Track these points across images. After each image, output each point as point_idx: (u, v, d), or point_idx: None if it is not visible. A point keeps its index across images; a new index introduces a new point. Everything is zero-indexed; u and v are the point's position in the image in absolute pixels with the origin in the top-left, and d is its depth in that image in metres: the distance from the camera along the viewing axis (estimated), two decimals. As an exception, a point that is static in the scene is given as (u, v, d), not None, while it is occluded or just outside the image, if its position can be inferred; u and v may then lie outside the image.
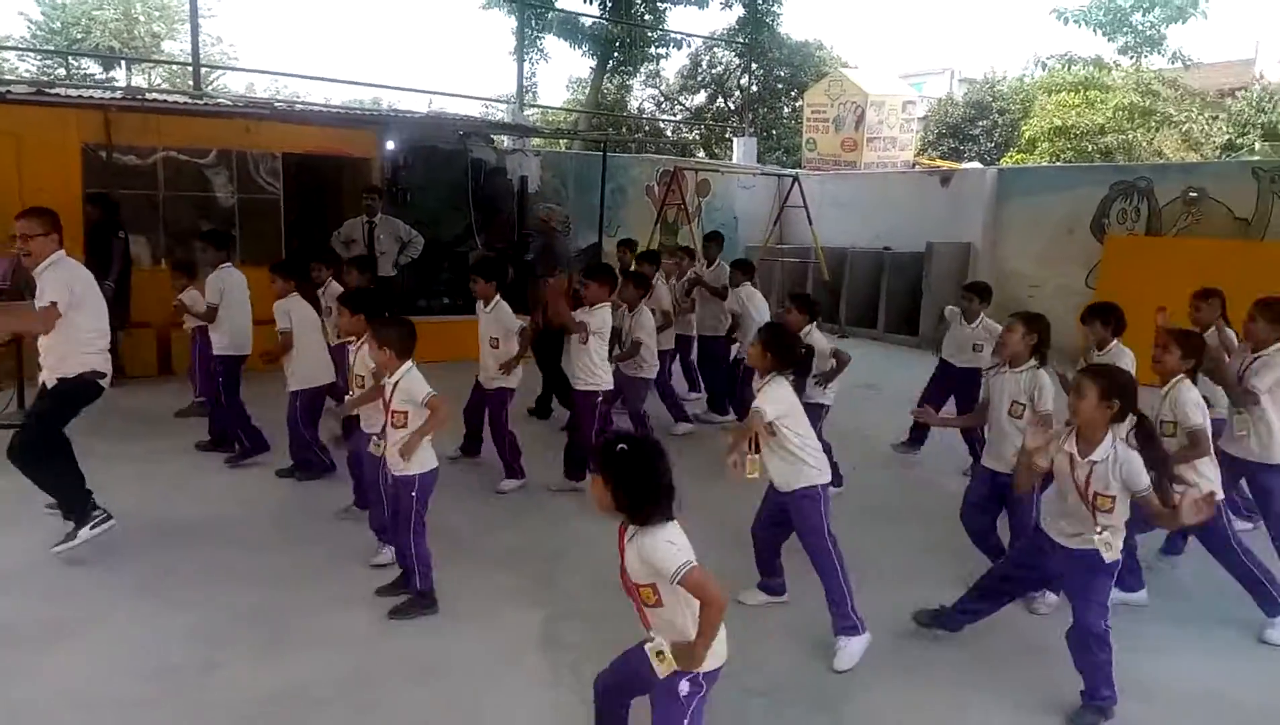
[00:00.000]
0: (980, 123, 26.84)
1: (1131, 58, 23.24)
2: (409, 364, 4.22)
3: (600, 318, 5.90)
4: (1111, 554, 3.51)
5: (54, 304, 4.58)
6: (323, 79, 47.75)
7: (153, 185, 9.81)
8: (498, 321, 6.19)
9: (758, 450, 4.04)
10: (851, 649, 3.98)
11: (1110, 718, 3.59)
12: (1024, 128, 24.70)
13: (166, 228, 9.88)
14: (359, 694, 3.64)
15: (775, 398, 3.99)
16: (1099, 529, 3.50)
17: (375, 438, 4.46)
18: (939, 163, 19.53)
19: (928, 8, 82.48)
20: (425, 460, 4.22)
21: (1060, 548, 3.65)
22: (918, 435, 7.21)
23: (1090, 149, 22.12)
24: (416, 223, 10.07)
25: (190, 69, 12.66)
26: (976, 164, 19.18)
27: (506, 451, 6.27)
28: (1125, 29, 18.66)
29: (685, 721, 2.64)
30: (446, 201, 11.99)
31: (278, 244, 10.33)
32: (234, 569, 4.78)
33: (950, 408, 6.75)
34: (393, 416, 4.16)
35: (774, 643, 4.14)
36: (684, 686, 2.63)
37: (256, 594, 4.49)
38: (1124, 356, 5.27)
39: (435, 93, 41.72)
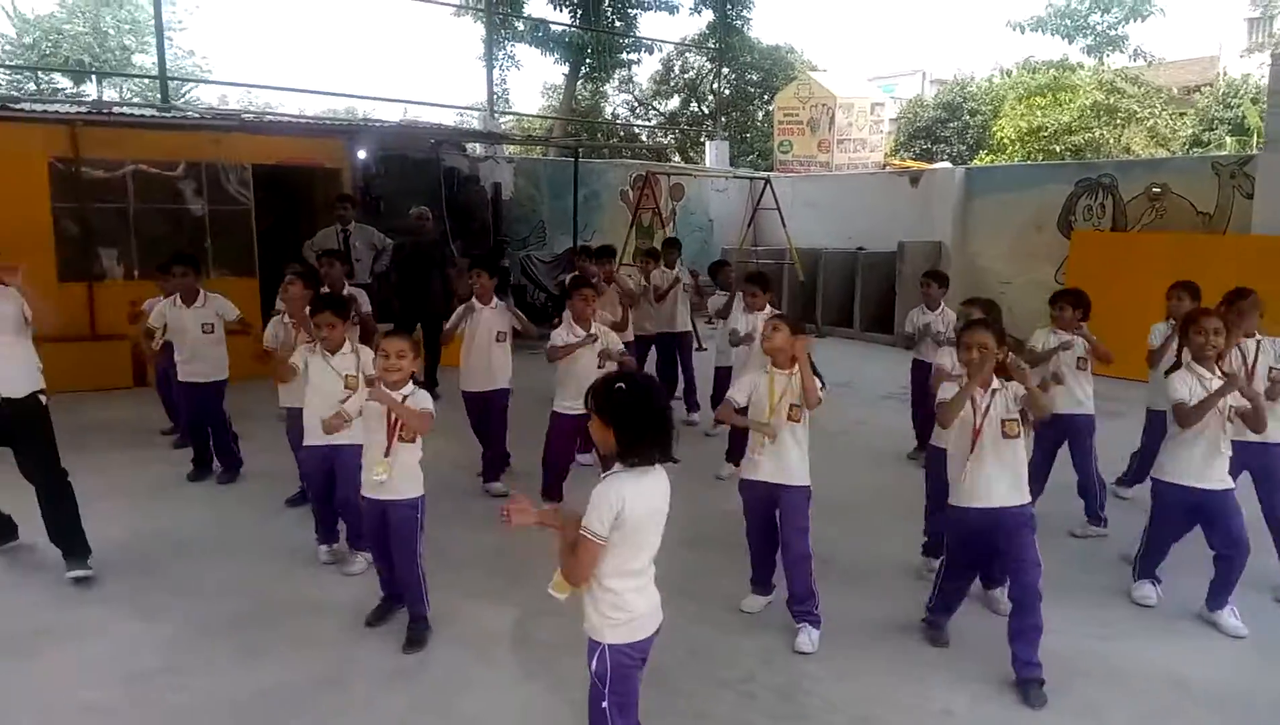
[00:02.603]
0: (951, 124, 27.09)
1: (1094, 57, 23.57)
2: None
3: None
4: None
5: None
6: (296, 90, 47.41)
7: (123, 198, 9.77)
8: (503, 316, 6.20)
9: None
10: (813, 636, 4.09)
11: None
12: (994, 128, 25.01)
13: (138, 239, 9.84)
14: (333, 696, 3.66)
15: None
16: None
17: (376, 471, 4.02)
18: (909, 164, 19.72)
19: (897, 10, 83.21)
20: (420, 478, 4.12)
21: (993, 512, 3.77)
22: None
23: (1059, 149, 22.41)
24: (390, 231, 10.08)
25: (159, 82, 12.59)
26: (947, 164, 19.36)
27: (504, 453, 6.29)
28: (1085, 30, 18.97)
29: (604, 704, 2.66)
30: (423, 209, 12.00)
31: (250, 254, 10.31)
32: (209, 578, 4.78)
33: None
34: (401, 430, 3.99)
35: (742, 635, 4.19)
36: (594, 663, 2.69)
37: (231, 603, 4.49)
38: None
39: (409, 101, 41.71)
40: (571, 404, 5.53)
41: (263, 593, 4.62)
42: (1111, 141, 22.07)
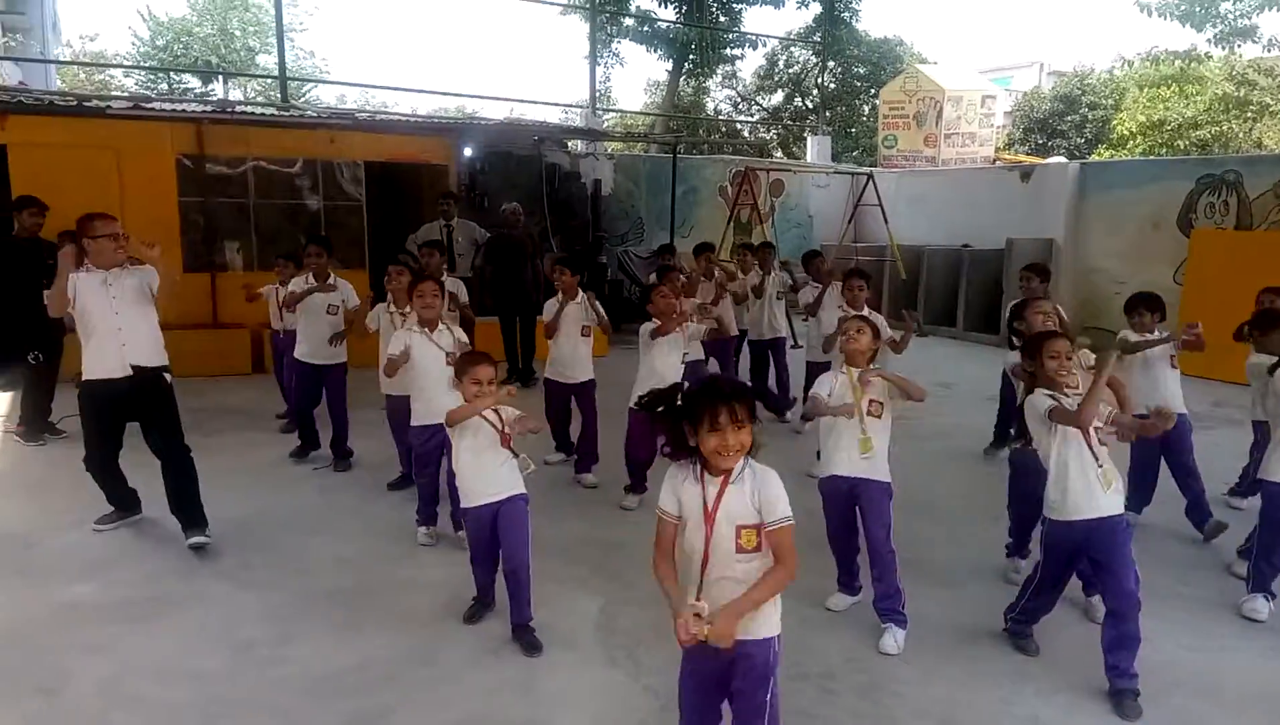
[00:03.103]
0: (1069, 117, 26.11)
1: (1224, 48, 22.35)
2: None
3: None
4: None
5: None
6: (409, 90, 49.00)
7: (243, 193, 10.30)
8: (587, 310, 6.35)
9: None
10: (899, 636, 4.04)
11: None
12: (1115, 122, 24.00)
13: (257, 233, 10.35)
14: (424, 670, 3.81)
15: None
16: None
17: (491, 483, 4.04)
18: (1021, 158, 19.10)
19: (1014, 1, 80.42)
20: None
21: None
22: (1002, 432, 7.11)
23: (1184, 143, 21.36)
24: (493, 226, 10.35)
25: (280, 82, 13.19)
26: (1061, 159, 18.67)
27: (596, 443, 6.42)
28: (1214, 19, 17.95)
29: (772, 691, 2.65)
30: (522, 205, 12.25)
31: (361, 248, 10.72)
32: (313, 555, 5.03)
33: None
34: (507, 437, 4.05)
35: (826, 632, 4.18)
36: (770, 656, 2.64)
37: (332, 578, 4.72)
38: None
39: (515, 100, 42.48)
40: None
41: (362, 570, 4.84)
42: (1241, 136, 20.93)
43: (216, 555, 4.97)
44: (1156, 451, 5.33)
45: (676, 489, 2.65)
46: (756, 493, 2.57)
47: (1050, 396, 3.71)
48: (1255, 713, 3.62)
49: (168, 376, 5.14)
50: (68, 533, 5.23)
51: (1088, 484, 3.62)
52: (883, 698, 3.68)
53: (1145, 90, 23.23)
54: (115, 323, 4.92)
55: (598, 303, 6.46)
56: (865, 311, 6.31)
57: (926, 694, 3.71)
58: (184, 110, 10.43)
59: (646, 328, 5.76)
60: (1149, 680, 3.62)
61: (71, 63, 29.53)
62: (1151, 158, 19.58)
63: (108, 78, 29.84)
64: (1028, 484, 4.31)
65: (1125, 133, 22.73)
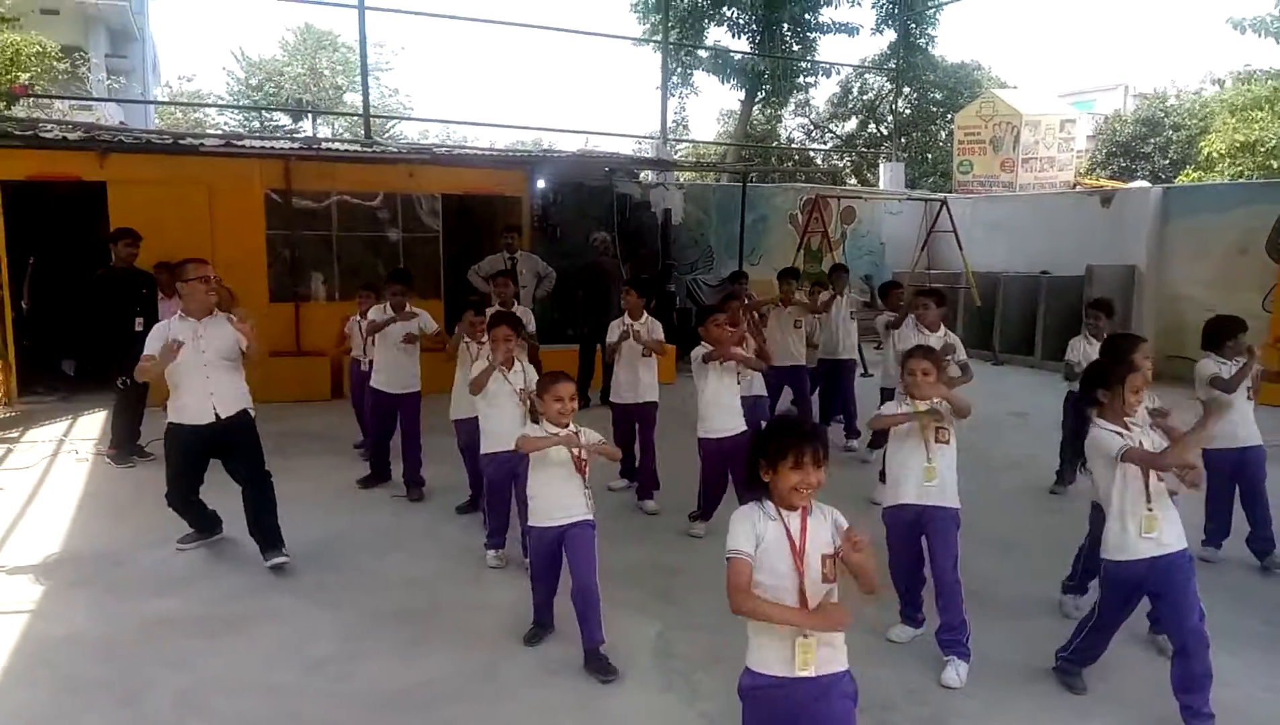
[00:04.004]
0: (1152, 140, 25.41)
1: (1322, 65, 21.53)
2: None
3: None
4: None
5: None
6: (487, 124, 50.29)
7: (327, 226, 10.71)
8: (651, 333, 6.47)
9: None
10: (961, 670, 3.99)
11: None
12: (1202, 144, 23.24)
13: (340, 264, 10.75)
14: (487, 687, 3.92)
15: None
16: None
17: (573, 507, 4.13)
18: (1103, 183, 18.65)
19: (1099, 22, 78.73)
20: None
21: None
22: (1067, 474, 6.97)
23: (1278, 165, 20.56)
24: (565, 255, 10.58)
25: (364, 120, 13.70)
26: (1143, 183, 18.18)
27: (655, 468, 6.46)
28: (1312, 36, 17.32)
29: None
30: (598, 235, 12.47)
31: (437, 279, 11.03)
32: (384, 575, 5.21)
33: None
34: (582, 463, 4.12)
35: (887, 664, 4.15)
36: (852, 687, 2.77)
37: (401, 598, 4.87)
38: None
39: (589, 132, 43.11)
40: (718, 428, 5.68)
41: (431, 591, 4.98)
42: (1339, 157, 20.06)
43: (293, 574, 5.17)
44: (1229, 481, 5.17)
45: (756, 527, 2.66)
46: (833, 523, 2.68)
47: (1116, 432, 3.64)
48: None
49: (250, 412, 5.36)
50: (152, 551, 5.50)
51: (1147, 523, 3.55)
52: (941, 729, 3.64)
53: (1236, 113, 22.43)
54: (204, 375, 5.14)
55: (658, 327, 6.55)
56: (942, 332, 6.31)
57: (986, 726, 3.66)
58: (272, 147, 10.91)
59: (698, 352, 5.81)
60: (1225, 722, 3.51)
61: (169, 103, 31.05)
62: (1238, 181, 18.92)
63: (203, 116, 31.31)
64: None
65: (1214, 155, 21.95)
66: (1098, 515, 4.50)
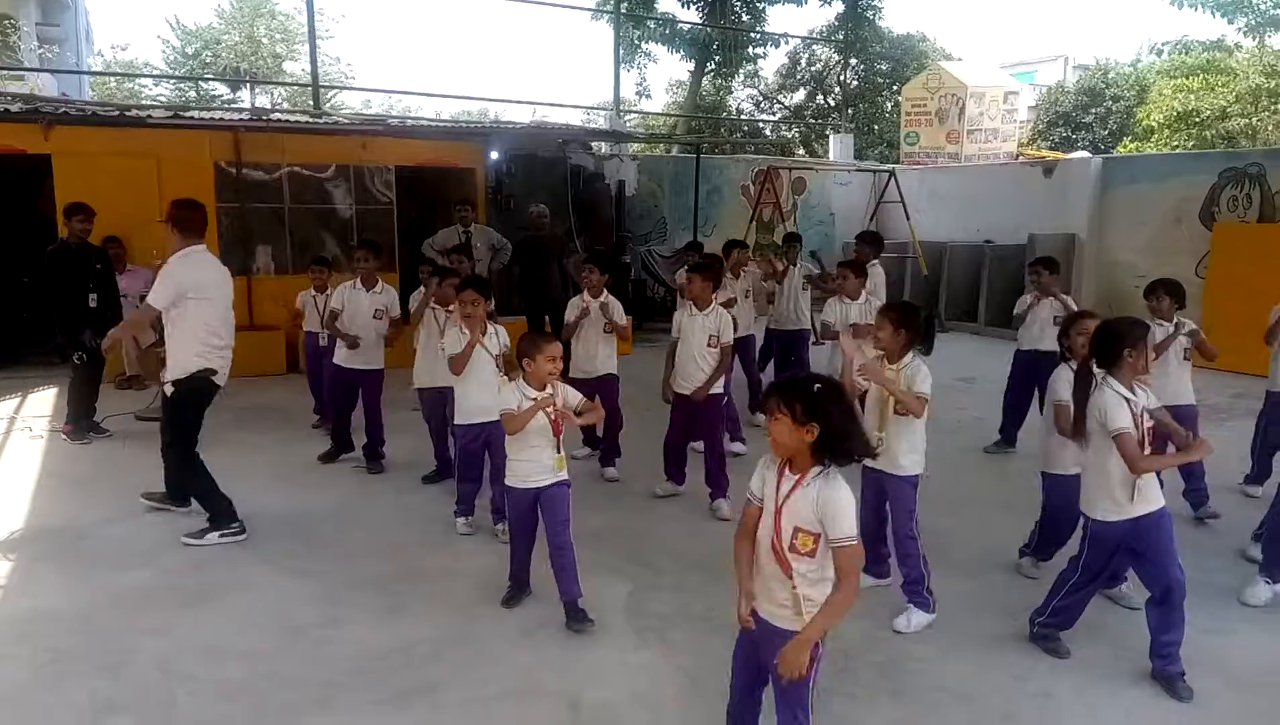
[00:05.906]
0: (1093, 110, 26.00)
1: (1255, 39, 22.15)
2: None
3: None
4: None
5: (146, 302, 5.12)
6: (433, 94, 49.51)
7: (278, 198, 10.58)
8: (612, 313, 6.44)
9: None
10: (916, 618, 4.21)
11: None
12: (1140, 115, 23.85)
13: (291, 237, 10.63)
14: (465, 650, 4.03)
15: (928, 378, 4.18)
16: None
17: (553, 467, 4.26)
18: (1044, 153, 19.09)
19: (1040, -6, 79.78)
20: None
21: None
22: (1009, 436, 7.25)
23: (1211, 135, 21.21)
24: (518, 228, 10.56)
25: (309, 89, 13.48)
26: (1084, 153, 18.66)
27: (618, 437, 6.55)
28: (1246, 9, 17.81)
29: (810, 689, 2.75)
30: (548, 206, 12.46)
31: (391, 251, 10.96)
32: (354, 544, 5.27)
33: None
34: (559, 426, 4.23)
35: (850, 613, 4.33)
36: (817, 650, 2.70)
37: (374, 566, 4.94)
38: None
39: (539, 103, 42.79)
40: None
41: (403, 558, 5.06)
42: (1271, 128, 20.76)
43: (262, 545, 5.21)
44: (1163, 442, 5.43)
45: (764, 474, 2.78)
46: (819, 501, 2.61)
47: (1125, 399, 3.66)
48: (1267, 691, 3.77)
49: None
50: (117, 525, 5.49)
51: (1132, 485, 3.70)
52: (900, 674, 3.85)
53: (1171, 81, 23.03)
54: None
55: (619, 307, 6.56)
56: (863, 299, 6.55)
57: (943, 670, 3.88)
58: (222, 119, 10.72)
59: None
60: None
61: (106, 73, 30.08)
62: (1174, 151, 19.51)
63: (138, 86, 30.41)
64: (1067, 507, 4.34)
65: (1151, 125, 22.55)
66: (1052, 484, 4.69)
